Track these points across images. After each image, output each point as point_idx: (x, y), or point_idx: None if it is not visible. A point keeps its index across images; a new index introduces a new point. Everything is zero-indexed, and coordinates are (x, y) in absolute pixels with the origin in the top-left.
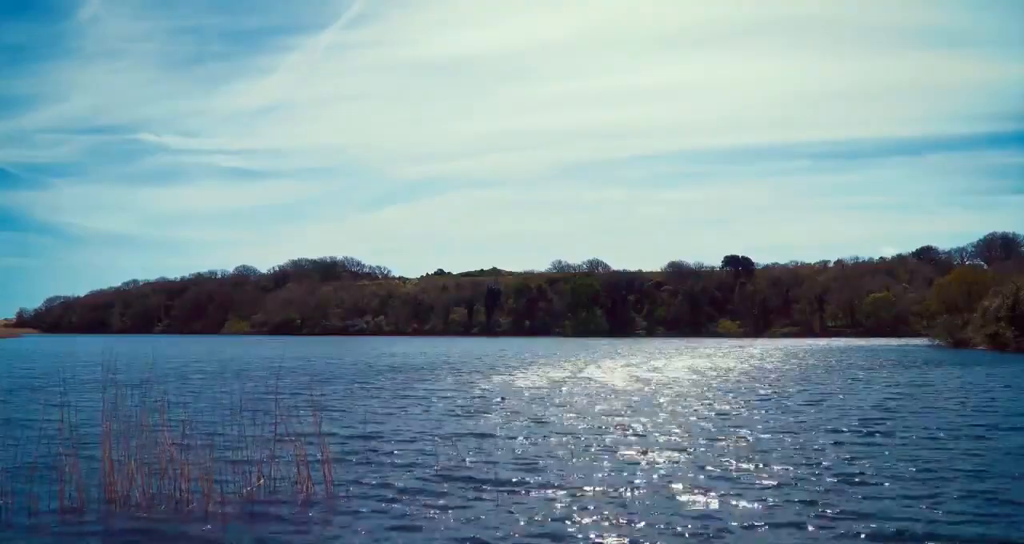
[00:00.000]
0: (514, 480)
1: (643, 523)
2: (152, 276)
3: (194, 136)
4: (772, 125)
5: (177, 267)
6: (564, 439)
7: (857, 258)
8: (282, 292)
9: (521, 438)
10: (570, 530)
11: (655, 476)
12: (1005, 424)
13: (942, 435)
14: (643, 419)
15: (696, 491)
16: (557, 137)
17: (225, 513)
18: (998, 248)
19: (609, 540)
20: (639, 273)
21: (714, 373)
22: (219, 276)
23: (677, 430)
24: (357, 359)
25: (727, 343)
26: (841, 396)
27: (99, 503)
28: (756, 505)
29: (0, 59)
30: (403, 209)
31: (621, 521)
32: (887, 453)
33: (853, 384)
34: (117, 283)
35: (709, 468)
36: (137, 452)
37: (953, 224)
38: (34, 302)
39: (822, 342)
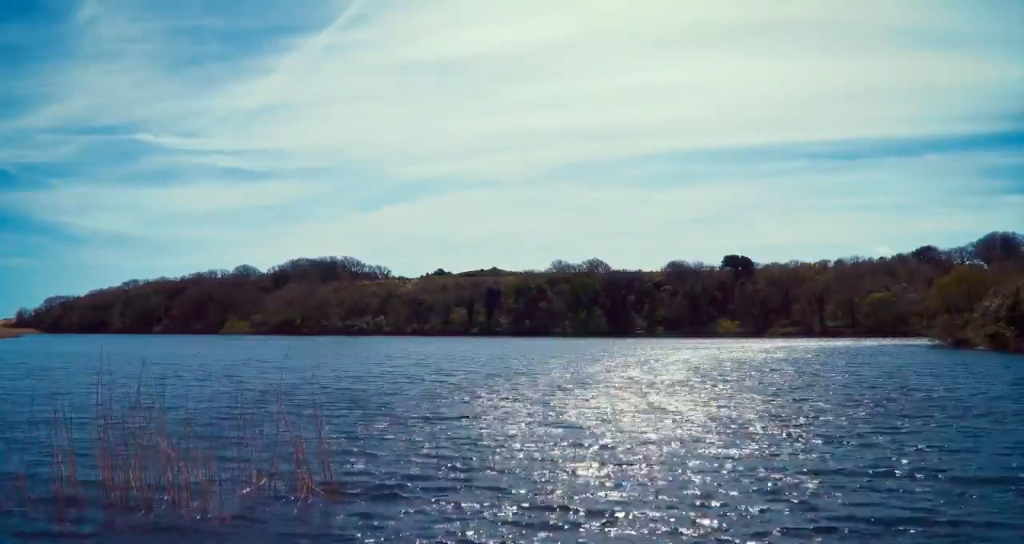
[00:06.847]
0: (514, 479)
1: None
2: (152, 276)
3: (193, 136)
4: (771, 125)
5: (177, 267)
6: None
7: (857, 258)
8: (282, 292)
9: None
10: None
11: None
12: None
13: None
14: None
15: None
16: (557, 137)
17: (224, 513)
18: (998, 248)
19: None
20: (639, 273)
21: None
22: (219, 276)
23: None
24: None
25: (730, 343)
26: None
27: (97, 504)
28: None
29: (0, 59)
30: (403, 209)
31: None
32: None
33: None
34: (117, 283)
35: None
36: (136, 452)
37: (953, 224)
38: (34, 302)
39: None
